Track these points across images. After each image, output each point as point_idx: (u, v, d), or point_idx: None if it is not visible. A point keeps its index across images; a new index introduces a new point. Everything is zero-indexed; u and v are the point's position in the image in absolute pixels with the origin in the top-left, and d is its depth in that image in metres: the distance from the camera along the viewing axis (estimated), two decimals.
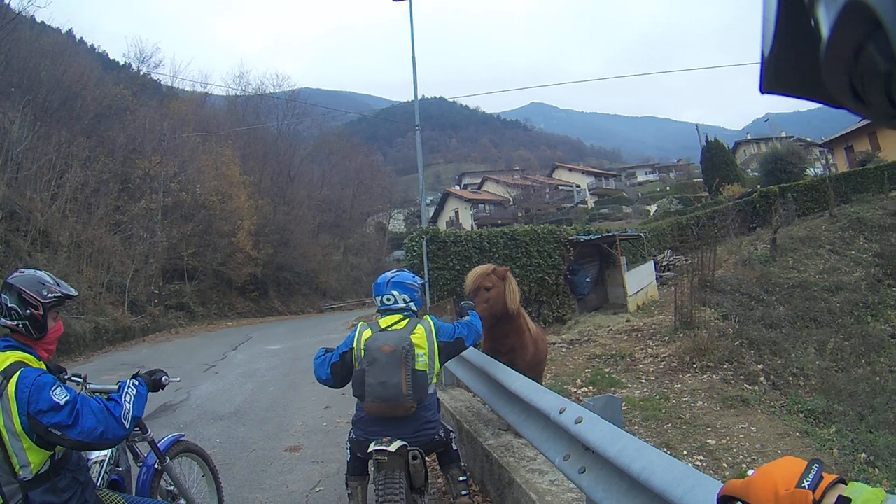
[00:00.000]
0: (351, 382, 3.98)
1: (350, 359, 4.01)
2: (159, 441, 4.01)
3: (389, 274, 4.28)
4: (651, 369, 10.58)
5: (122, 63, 47.72)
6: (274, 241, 40.99)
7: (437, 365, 4.04)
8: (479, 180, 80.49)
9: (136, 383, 3.16)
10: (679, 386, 9.74)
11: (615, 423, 3.19)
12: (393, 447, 3.65)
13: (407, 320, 4.04)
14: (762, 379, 10.58)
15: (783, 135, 66.29)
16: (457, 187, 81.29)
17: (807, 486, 0.90)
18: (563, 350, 12.72)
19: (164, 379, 3.60)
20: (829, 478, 0.91)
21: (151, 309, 25.72)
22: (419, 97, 20.60)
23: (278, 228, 42.27)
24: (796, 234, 21.92)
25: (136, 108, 33.05)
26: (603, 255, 20.22)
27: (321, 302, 44.95)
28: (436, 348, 4.01)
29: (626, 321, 15.58)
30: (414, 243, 13.82)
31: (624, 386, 9.74)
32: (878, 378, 12.51)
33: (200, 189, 34.27)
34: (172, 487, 4.02)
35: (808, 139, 59.66)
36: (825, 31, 0.45)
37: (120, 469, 3.70)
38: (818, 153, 54.22)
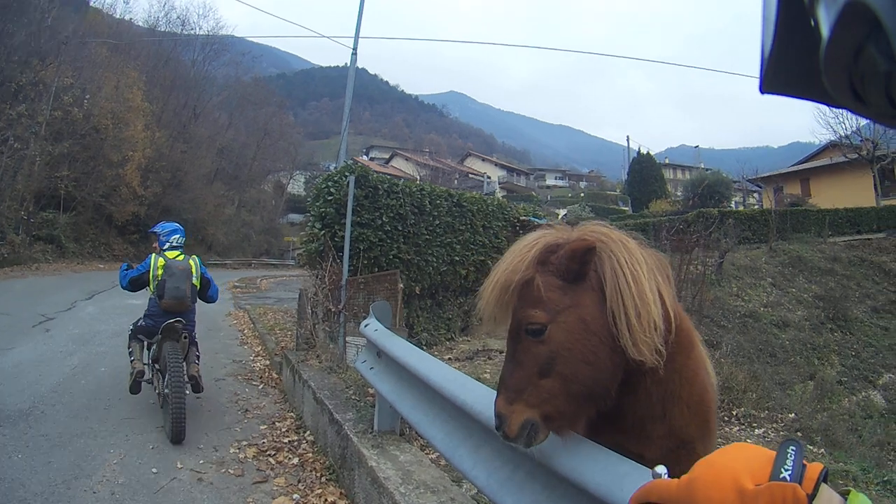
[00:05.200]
0: (155, 288, 6.33)
1: (147, 278, 6.42)
2: None
3: (171, 225, 6.85)
4: None
5: None
6: (164, 180, 36.54)
7: (198, 283, 6.61)
8: (387, 155, 78.41)
9: None
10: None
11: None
12: (178, 324, 6.16)
13: (183, 255, 6.62)
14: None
15: (702, 166, 68.32)
16: (365, 158, 77.94)
17: (788, 478, 0.67)
18: None
19: None
20: (814, 468, 0.69)
21: (13, 237, 23.08)
22: (343, 64, 17.05)
23: (171, 167, 37.69)
24: (738, 262, 21.60)
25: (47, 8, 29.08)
26: None
27: (206, 256, 39.88)
28: (200, 275, 6.64)
29: None
30: (331, 184, 9.95)
31: None
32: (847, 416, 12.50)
33: (94, 107, 29.61)
34: None
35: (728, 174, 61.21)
36: (825, 31, 0.45)
37: None
38: (734, 189, 55.05)
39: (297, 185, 65.84)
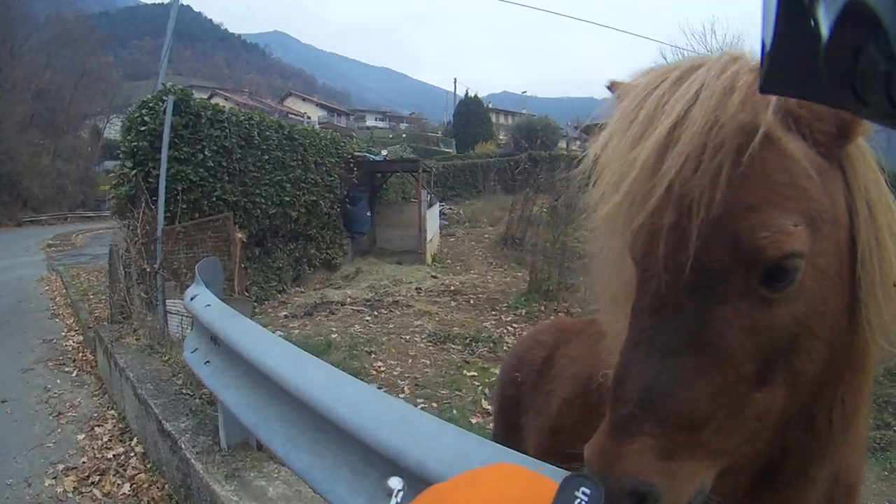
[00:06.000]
0: None
1: None
2: None
3: None
4: None
5: None
6: None
7: None
8: (206, 95, 75.34)
9: None
10: None
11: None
12: None
13: None
14: None
15: (525, 112, 69.72)
16: None
17: None
18: (369, 319, 8.74)
19: None
20: None
21: None
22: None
23: None
24: (571, 204, 21.48)
25: None
26: (374, 188, 16.93)
27: (20, 213, 36.87)
28: None
29: (433, 277, 12.36)
30: (145, 112, 8.21)
31: None
32: None
33: None
34: None
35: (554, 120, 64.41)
36: (825, 31, 0.44)
37: None
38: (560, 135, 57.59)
39: (113, 130, 59.86)
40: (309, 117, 71.46)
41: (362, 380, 5.85)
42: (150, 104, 8.49)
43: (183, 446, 3.62)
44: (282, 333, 7.36)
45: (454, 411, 5.62)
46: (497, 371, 6.53)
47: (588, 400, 1.63)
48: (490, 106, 79.16)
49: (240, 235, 7.37)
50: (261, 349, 2.89)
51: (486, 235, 18.45)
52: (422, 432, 1.87)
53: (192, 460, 3.46)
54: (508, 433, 2.13)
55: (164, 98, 8.00)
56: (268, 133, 10.57)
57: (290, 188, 11.10)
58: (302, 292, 10.75)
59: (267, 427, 2.72)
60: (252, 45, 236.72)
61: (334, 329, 7.89)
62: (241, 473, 3.33)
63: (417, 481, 1.71)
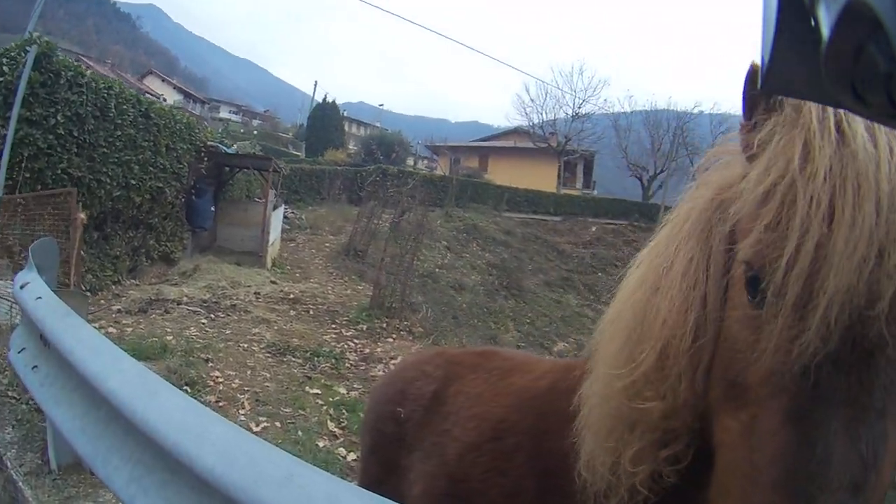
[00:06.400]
0: None
1: None
2: None
3: None
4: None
5: None
6: None
7: None
8: (72, 59, 68.77)
9: None
10: None
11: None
12: None
13: None
14: None
15: (379, 125, 70.66)
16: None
17: None
18: (206, 322, 8.39)
19: None
20: None
21: None
22: None
23: None
24: (413, 221, 22.20)
25: None
26: (220, 182, 16.13)
27: None
28: None
29: (272, 282, 12.09)
30: (6, 61, 7.58)
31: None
32: None
33: None
34: None
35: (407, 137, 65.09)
36: (826, 31, 0.45)
37: None
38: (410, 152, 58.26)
39: None
40: (165, 99, 67.54)
41: (199, 392, 5.67)
42: (12, 53, 7.83)
43: (9, 465, 3.19)
44: (115, 331, 6.93)
45: (300, 433, 5.42)
46: (342, 390, 6.72)
47: (501, 446, 1.50)
48: (345, 114, 78.80)
49: (82, 216, 6.82)
50: (100, 364, 2.40)
51: (326, 244, 18.35)
52: (320, 494, 1.50)
53: (20, 483, 3.05)
54: (386, 473, 1.88)
55: (28, 49, 7.47)
56: (125, 107, 9.88)
57: (138, 171, 10.35)
58: (137, 285, 10.15)
59: (106, 462, 2.20)
60: (125, 14, 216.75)
61: (169, 330, 7.51)
62: (75, 503, 2.99)
63: None
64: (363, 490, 1.64)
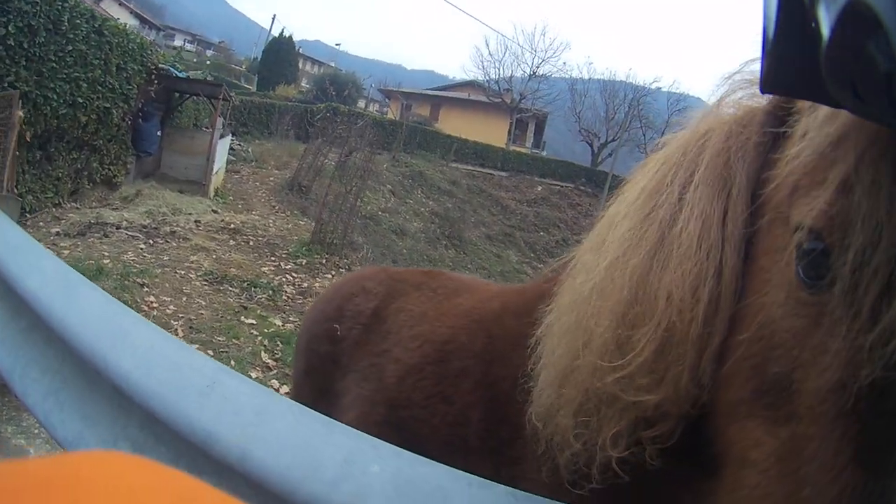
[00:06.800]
0: None
1: None
2: None
3: None
4: None
5: None
6: None
7: None
8: None
9: None
10: None
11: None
12: None
13: None
14: None
15: (333, 65, 70.41)
16: None
17: None
18: (144, 248, 8.38)
19: None
20: None
21: None
22: None
23: None
24: (359, 162, 22.46)
25: None
26: (169, 107, 15.75)
27: None
28: None
29: (213, 211, 12.02)
30: None
31: None
32: None
33: None
34: None
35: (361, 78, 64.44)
36: (826, 31, 0.45)
37: None
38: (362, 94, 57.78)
39: None
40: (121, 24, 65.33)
41: None
42: None
43: None
44: (51, 253, 6.91)
45: (233, 362, 5.37)
46: (278, 322, 6.86)
47: (446, 369, 1.36)
48: (300, 51, 77.14)
49: (20, 113, 6.83)
50: (23, 262, 2.07)
51: (271, 178, 18.22)
52: (247, 405, 1.31)
53: None
54: (319, 400, 1.66)
55: None
56: (78, 21, 9.51)
57: (87, 89, 9.99)
58: (77, 209, 9.94)
59: (23, 376, 1.88)
60: None
61: (107, 254, 7.47)
62: None
63: (253, 486, 1.20)
64: (293, 402, 1.44)
